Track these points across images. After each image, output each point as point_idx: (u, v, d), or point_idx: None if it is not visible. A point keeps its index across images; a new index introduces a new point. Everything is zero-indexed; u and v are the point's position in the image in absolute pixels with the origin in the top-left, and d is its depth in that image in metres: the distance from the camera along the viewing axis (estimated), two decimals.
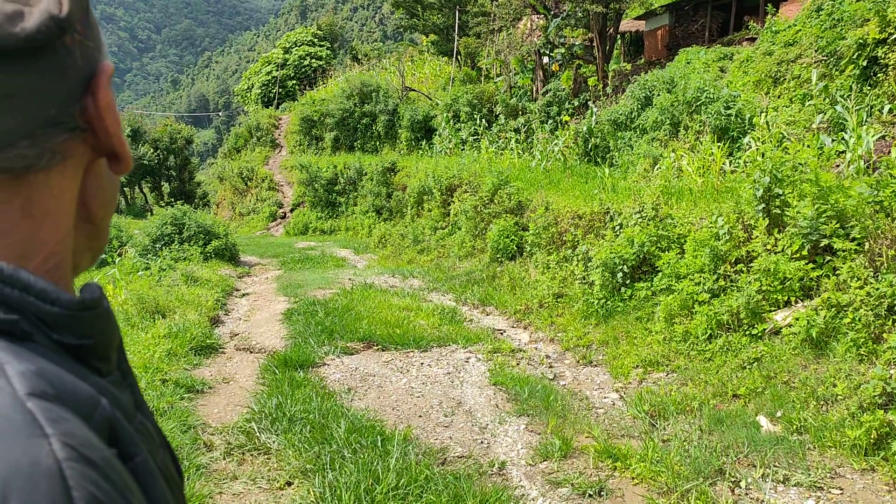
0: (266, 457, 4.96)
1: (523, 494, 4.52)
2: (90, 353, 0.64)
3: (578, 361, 7.54)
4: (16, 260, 0.60)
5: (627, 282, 8.33)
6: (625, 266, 8.25)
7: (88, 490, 0.49)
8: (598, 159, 14.50)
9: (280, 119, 37.23)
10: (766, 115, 10.47)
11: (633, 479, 4.64)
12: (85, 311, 0.63)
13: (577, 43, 18.70)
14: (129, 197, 38.46)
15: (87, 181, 0.69)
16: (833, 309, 5.81)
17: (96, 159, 0.69)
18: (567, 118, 17.02)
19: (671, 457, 4.73)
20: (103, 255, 16.78)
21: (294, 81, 45.19)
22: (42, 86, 0.60)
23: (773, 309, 6.47)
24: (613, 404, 6.23)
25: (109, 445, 0.58)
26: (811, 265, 6.34)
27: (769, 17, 15.38)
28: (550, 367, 7.41)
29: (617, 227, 9.10)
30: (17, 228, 0.61)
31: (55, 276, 0.65)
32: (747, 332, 6.44)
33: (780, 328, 6.22)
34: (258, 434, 5.25)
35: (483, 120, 20.36)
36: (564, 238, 10.22)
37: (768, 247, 6.76)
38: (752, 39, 16.37)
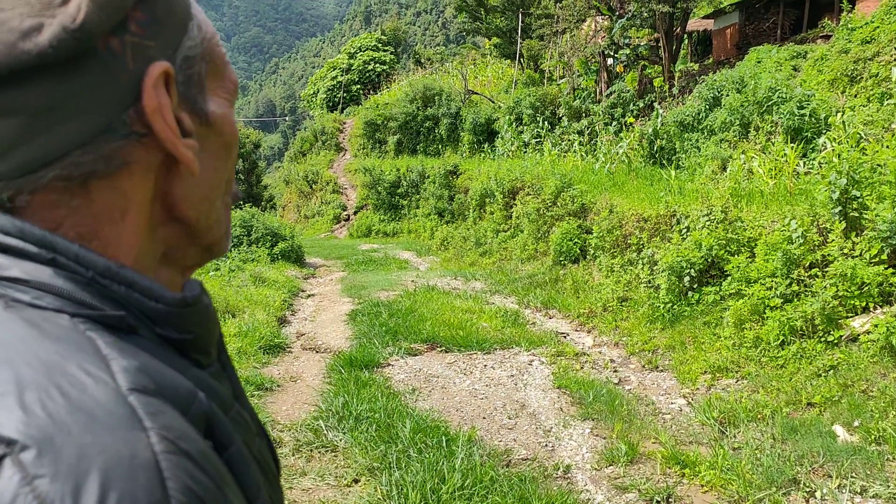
0: (333, 454, 5.05)
1: (589, 499, 4.49)
2: (191, 346, 0.67)
3: (644, 366, 7.43)
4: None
5: (695, 286, 8.16)
6: (692, 270, 8.09)
7: (183, 481, 0.51)
8: (664, 161, 14.24)
9: (344, 123, 37.79)
10: (842, 115, 10.10)
11: (702, 486, 4.56)
12: (185, 307, 0.66)
13: (642, 43, 18.43)
14: None
15: (172, 183, 0.68)
16: None
17: (176, 162, 0.67)
18: (632, 120, 16.78)
19: (742, 465, 4.62)
20: None
21: (358, 86, 45.86)
22: (87, 95, 0.59)
23: (850, 315, 6.25)
24: (681, 410, 6.11)
25: (205, 437, 0.60)
26: (891, 270, 6.09)
27: (844, 13, 14.82)
28: (615, 371, 7.32)
29: (684, 230, 8.93)
30: (103, 231, 0.63)
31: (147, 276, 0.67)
32: (822, 339, 6.23)
33: (858, 335, 6.00)
34: (325, 432, 5.35)
35: (546, 122, 20.24)
36: (629, 241, 10.08)
37: (845, 251, 6.52)
38: (827, 37, 15.81)
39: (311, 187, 30.68)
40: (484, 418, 5.88)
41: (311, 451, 5.12)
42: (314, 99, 49.19)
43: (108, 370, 0.54)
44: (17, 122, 0.58)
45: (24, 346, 0.54)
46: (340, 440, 5.21)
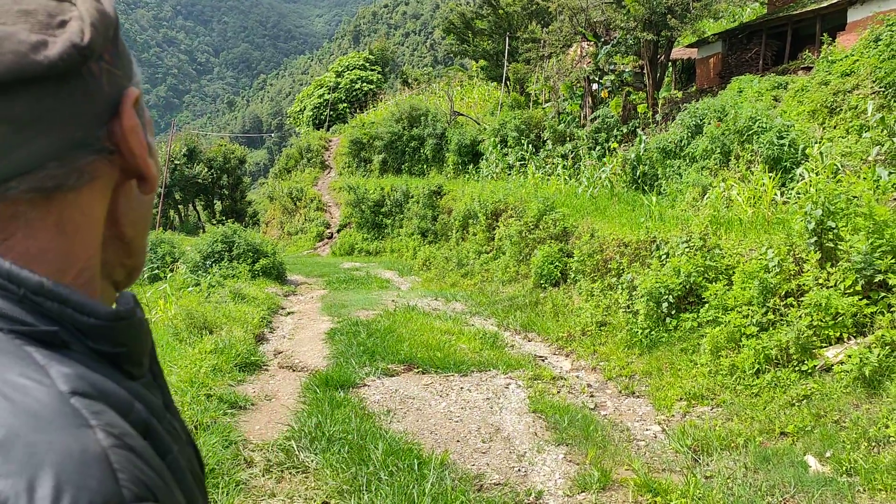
0: (304, 475, 4.99)
1: None
2: (125, 359, 0.68)
3: (620, 391, 7.43)
4: (53, 275, 0.64)
5: (673, 312, 8.20)
6: (670, 296, 8.13)
7: (133, 472, 0.55)
8: (646, 187, 14.36)
9: (330, 141, 37.82)
10: (820, 146, 10.25)
11: None
12: (119, 321, 0.67)
13: (627, 70, 18.62)
14: (182, 214, 39.45)
15: (118, 201, 0.72)
16: (887, 347, 5.62)
17: (126, 181, 0.72)
18: (615, 145, 16.92)
19: (714, 494, 4.61)
20: (156, 271, 17.18)
21: (345, 104, 45.96)
22: (69, 110, 0.63)
23: (824, 345, 6.29)
24: (655, 437, 6.11)
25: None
26: (865, 301, 6.15)
27: (825, 46, 15.10)
28: (591, 396, 7.32)
29: (663, 256, 8.98)
30: (54, 245, 0.65)
31: (89, 290, 0.69)
32: (797, 368, 6.26)
33: (832, 365, 6.04)
34: (297, 452, 5.29)
35: (530, 145, 20.36)
36: (609, 266, 10.13)
37: (820, 281, 6.58)
38: (808, 69, 16.08)
39: (295, 204, 30.62)
40: (458, 441, 5.84)
41: (282, 471, 5.05)
42: (301, 116, 49.23)
43: (48, 375, 0.56)
44: (0, 132, 0.61)
45: None
46: (312, 461, 5.15)
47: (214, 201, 40.43)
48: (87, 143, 0.66)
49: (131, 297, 0.73)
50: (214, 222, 32.12)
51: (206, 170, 37.16)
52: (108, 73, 0.67)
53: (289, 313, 12.03)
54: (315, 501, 4.58)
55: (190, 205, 39.76)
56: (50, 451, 0.51)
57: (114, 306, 0.69)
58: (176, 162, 36.26)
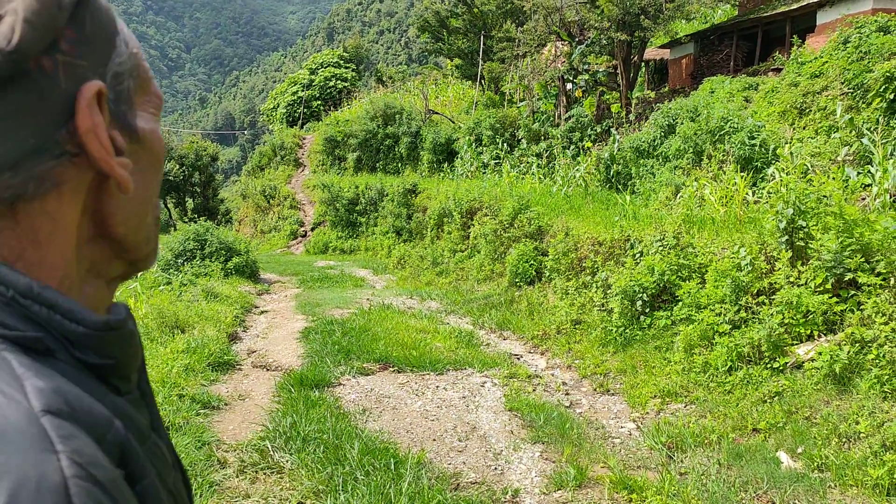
0: (279, 476, 4.94)
1: None
2: (111, 372, 0.65)
3: (595, 389, 7.46)
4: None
5: (647, 310, 8.26)
6: (644, 294, 8.19)
7: None
8: (620, 186, 14.46)
9: (304, 139, 37.57)
10: (790, 147, 10.40)
11: None
12: (108, 331, 0.64)
13: (601, 70, 18.75)
14: None
15: (102, 201, 0.66)
16: (857, 344, 5.71)
17: (106, 179, 0.66)
18: (589, 144, 17.02)
19: (688, 491, 4.65)
20: None
21: (319, 102, 45.66)
22: (16, 116, 0.58)
23: (795, 342, 6.38)
24: (630, 434, 6.15)
25: (119, 467, 0.58)
26: (835, 299, 6.24)
27: (795, 48, 15.33)
28: (567, 394, 7.34)
29: (637, 255, 9.05)
30: (27, 254, 0.62)
31: (72, 297, 0.65)
32: (768, 366, 6.35)
33: (803, 362, 6.12)
34: (272, 453, 5.24)
35: (505, 144, 20.40)
36: (584, 264, 10.18)
37: (791, 279, 6.67)
38: (778, 70, 16.31)
39: (268, 202, 30.37)
40: (434, 440, 5.83)
41: (257, 472, 5.00)
42: (274, 113, 48.81)
43: (22, 390, 0.53)
44: None
45: None
46: (287, 461, 5.10)
47: (186, 199, 39.88)
48: (44, 149, 0.60)
49: (124, 309, 0.69)
50: (186, 220, 31.68)
51: (177, 167, 36.67)
52: (66, 66, 0.60)
53: (262, 312, 11.92)
54: (290, 502, 4.54)
55: (161, 202, 39.28)
56: (6, 474, 0.47)
57: (104, 315, 0.65)
58: None
